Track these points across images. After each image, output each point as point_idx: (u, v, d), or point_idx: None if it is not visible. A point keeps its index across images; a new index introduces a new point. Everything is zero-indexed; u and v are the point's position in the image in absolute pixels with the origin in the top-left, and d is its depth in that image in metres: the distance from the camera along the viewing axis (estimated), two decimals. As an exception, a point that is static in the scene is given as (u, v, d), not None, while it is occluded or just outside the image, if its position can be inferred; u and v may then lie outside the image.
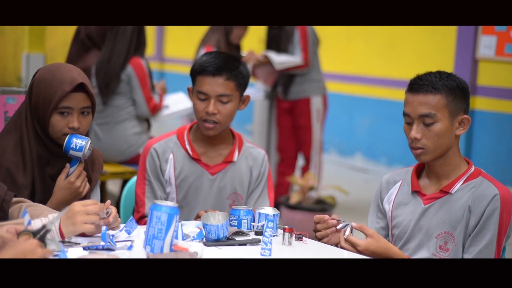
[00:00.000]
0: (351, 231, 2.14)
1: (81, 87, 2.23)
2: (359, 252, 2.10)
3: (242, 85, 2.59)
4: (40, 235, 1.69)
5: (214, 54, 2.58)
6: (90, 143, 2.25)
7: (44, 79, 2.24)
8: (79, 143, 2.23)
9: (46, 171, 2.28)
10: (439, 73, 2.21)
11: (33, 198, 2.22)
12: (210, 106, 2.52)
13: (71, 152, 2.24)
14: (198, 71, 2.55)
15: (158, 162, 2.59)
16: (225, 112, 2.54)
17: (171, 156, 2.60)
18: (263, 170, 2.68)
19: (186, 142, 2.62)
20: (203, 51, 4.99)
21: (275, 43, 5.25)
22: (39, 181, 2.26)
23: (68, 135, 2.23)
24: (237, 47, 5.26)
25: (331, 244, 2.19)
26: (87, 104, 2.27)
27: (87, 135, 2.30)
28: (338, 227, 2.18)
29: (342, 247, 2.13)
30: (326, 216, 2.19)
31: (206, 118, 2.54)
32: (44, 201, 2.23)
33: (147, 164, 2.60)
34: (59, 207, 2.21)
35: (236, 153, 2.64)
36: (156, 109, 4.21)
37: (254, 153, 2.69)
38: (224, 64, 2.53)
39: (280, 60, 5.07)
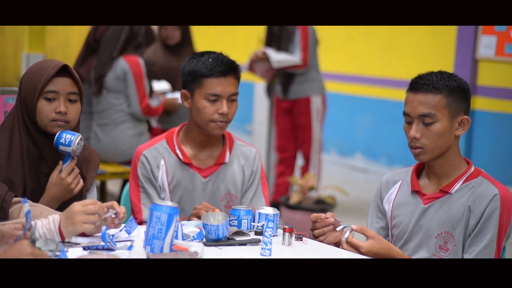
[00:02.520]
0: (351, 233, 2.14)
1: (66, 72, 2.25)
2: (362, 254, 2.10)
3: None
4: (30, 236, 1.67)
5: (208, 55, 2.54)
6: (81, 138, 2.24)
7: (30, 71, 2.28)
8: (68, 138, 2.22)
9: (40, 169, 2.28)
10: (441, 73, 2.21)
11: (24, 196, 2.21)
12: (224, 106, 2.51)
13: (61, 147, 2.23)
14: (206, 74, 2.51)
15: (150, 168, 2.57)
16: (233, 111, 2.56)
17: (162, 162, 2.58)
18: (255, 169, 2.67)
19: (176, 147, 2.60)
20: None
21: (276, 41, 5.24)
22: (31, 179, 2.26)
23: (55, 120, 2.24)
24: (177, 49, 4.69)
25: (328, 243, 2.19)
26: (74, 90, 2.27)
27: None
28: (337, 229, 2.18)
29: (343, 249, 2.13)
30: (323, 215, 2.20)
31: (219, 119, 2.52)
32: (36, 199, 2.23)
33: (139, 171, 2.57)
34: (51, 204, 2.21)
35: (228, 153, 2.63)
36: (150, 111, 4.16)
37: (245, 151, 2.68)
38: (230, 63, 2.53)
39: (278, 58, 5.06)
